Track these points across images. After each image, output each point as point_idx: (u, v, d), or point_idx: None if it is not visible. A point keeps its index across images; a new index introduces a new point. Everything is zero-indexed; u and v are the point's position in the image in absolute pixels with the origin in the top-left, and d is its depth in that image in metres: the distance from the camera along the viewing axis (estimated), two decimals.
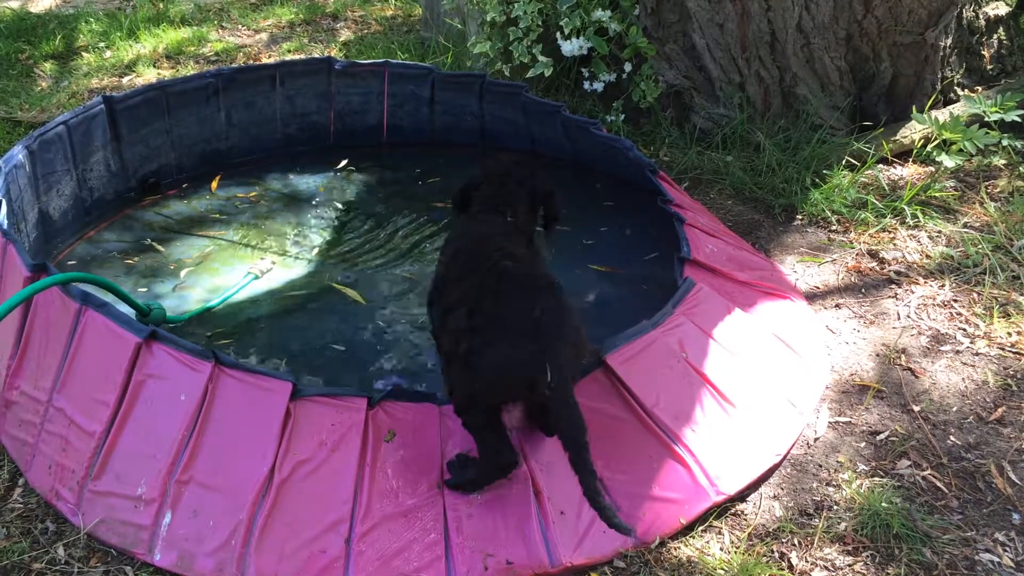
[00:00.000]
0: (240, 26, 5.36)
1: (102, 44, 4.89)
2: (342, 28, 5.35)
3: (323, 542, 1.78)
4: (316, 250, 2.92)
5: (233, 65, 4.57)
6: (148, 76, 4.49)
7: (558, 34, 3.66)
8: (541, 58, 3.70)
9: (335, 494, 1.81)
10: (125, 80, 4.47)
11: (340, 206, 3.19)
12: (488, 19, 3.81)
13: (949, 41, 3.57)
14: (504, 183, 2.20)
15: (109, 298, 2.21)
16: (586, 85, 3.77)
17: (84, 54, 4.77)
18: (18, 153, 2.61)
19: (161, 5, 5.53)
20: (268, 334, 2.51)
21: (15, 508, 1.96)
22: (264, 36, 5.20)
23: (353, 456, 1.82)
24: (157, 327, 2.02)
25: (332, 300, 2.67)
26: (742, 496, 2.02)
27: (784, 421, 2.17)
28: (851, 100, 3.54)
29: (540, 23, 3.69)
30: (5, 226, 2.27)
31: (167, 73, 4.57)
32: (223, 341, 2.46)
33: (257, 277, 2.72)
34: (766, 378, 2.24)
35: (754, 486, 2.05)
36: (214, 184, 3.23)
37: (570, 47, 3.63)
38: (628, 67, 3.69)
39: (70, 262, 2.79)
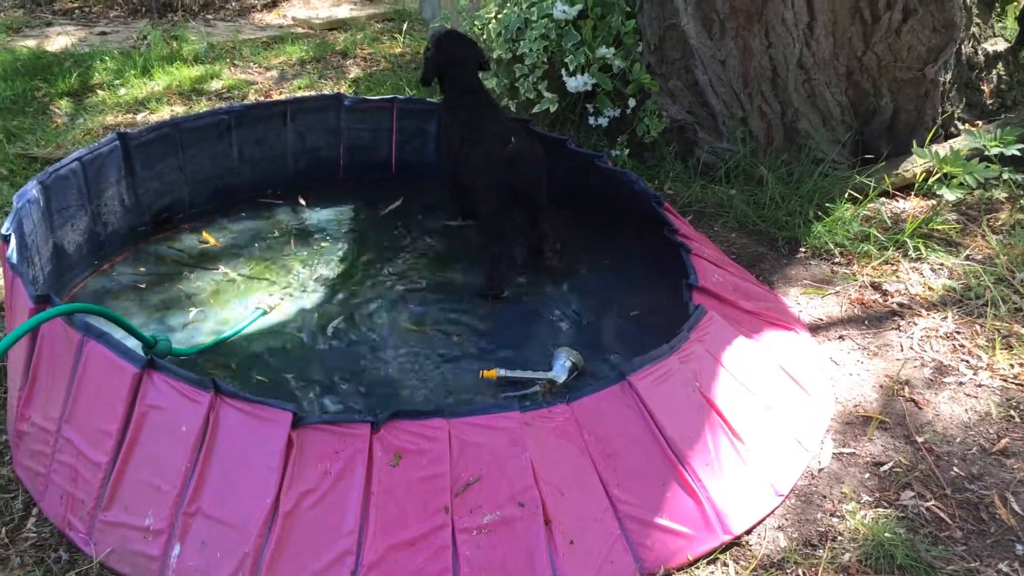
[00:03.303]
0: (252, 64, 5.46)
1: (117, 82, 4.99)
2: (351, 65, 5.44)
3: (330, 575, 1.79)
4: (325, 283, 2.96)
5: (245, 102, 4.66)
6: (161, 113, 4.58)
7: (563, 71, 3.72)
8: (546, 94, 3.77)
9: (340, 525, 1.82)
10: (139, 117, 4.55)
11: (350, 240, 3.24)
12: (495, 56, 3.88)
13: (949, 76, 3.62)
14: (464, 62, 3.10)
15: (120, 333, 2.25)
16: (591, 120, 3.82)
17: (99, 91, 4.86)
18: (32, 189, 2.66)
19: (175, 44, 5.64)
20: (276, 367, 2.54)
21: (29, 537, 1.99)
22: (275, 73, 5.30)
23: (358, 484, 1.83)
24: (160, 358, 2.04)
25: (341, 332, 2.70)
26: (747, 530, 2.03)
27: (791, 460, 2.18)
28: (852, 134, 3.59)
29: (546, 60, 3.76)
30: (14, 260, 2.31)
31: (180, 110, 4.65)
32: (230, 375, 2.49)
33: (265, 313, 2.75)
34: (774, 414, 2.25)
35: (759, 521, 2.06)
36: (206, 235, 3.23)
37: (575, 83, 3.69)
38: (632, 103, 3.75)
39: (85, 295, 2.83)
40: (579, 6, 3.68)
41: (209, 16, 6.65)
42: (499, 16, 3.95)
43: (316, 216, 3.41)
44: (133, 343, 2.29)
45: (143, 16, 6.59)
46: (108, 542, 1.91)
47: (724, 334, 2.34)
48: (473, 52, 3.16)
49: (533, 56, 3.75)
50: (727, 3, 3.37)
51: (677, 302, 2.50)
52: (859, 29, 3.37)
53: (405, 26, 6.14)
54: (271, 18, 6.69)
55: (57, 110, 4.62)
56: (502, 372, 2.44)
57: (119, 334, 2.19)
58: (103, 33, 6.13)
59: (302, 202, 3.44)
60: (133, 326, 2.32)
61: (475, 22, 4.02)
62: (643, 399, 2.05)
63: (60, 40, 5.87)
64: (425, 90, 3.68)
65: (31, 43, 5.73)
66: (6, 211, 3.11)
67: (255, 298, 2.85)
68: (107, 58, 5.32)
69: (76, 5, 6.79)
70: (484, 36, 3.97)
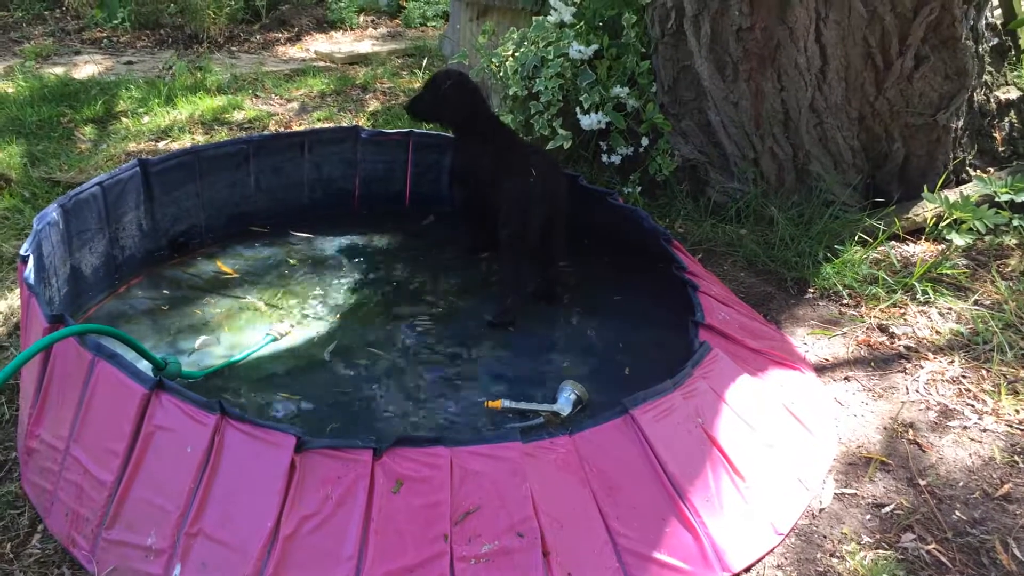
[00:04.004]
0: (273, 95, 5.56)
1: (141, 110, 5.09)
2: (371, 99, 5.54)
3: None
4: (336, 311, 2.99)
5: (264, 132, 4.74)
6: (183, 142, 4.66)
7: (577, 108, 3.78)
8: (561, 131, 3.82)
9: (340, 550, 1.83)
10: (161, 144, 4.64)
11: (363, 269, 3.28)
12: (511, 93, 3.95)
13: (961, 123, 3.65)
14: (474, 100, 3.20)
15: (131, 354, 2.28)
16: (604, 158, 3.87)
17: (123, 119, 4.96)
18: (52, 211, 2.72)
19: (199, 74, 5.76)
20: (283, 392, 2.56)
21: (33, 553, 2.01)
22: (295, 105, 5.39)
23: (359, 510, 1.84)
24: (167, 380, 2.07)
25: (350, 359, 2.73)
26: (745, 568, 2.03)
27: (792, 499, 2.18)
28: (864, 178, 3.61)
29: (560, 98, 3.82)
30: (31, 280, 2.35)
31: (201, 138, 4.74)
32: (237, 398, 2.52)
33: (275, 339, 2.79)
34: (776, 452, 2.25)
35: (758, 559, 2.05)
36: (222, 266, 3.28)
37: (589, 121, 3.75)
38: (645, 141, 3.80)
39: (100, 316, 2.87)
40: (595, 46, 3.74)
41: (234, 48, 6.79)
42: (516, 54, 4.01)
43: (330, 245, 3.45)
44: (144, 365, 2.33)
45: (169, 47, 6.74)
46: (110, 561, 1.93)
47: (728, 371, 2.36)
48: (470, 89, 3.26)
49: (548, 94, 3.81)
50: (740, 46, 3.43)
51: (684, 339, 2.51)
52: (871, 75, 3.41)
53: (425, 62, 6.24)
54: (294, 51, 6.82)
55: (81, 136, 4.71)
56: (507, 403, 2.46)
57: (131, 356, 2.22)
58: (130, 62, 6.27)
59: (297, 234, 3.49)
60: (144, 348, 2.35)
61: (492, 60, 4.09)
62: (645, 433, 2.06)
63: (87, 68, 6.01)
64: (431, 124, 3.72)
65: (59, 70, 5.87)
66: (27, 233, 3.18)
67: (266, 324, 2.88)
68: (132, 87, 5.43)
69: (104, 35, 6.95)
70: (501, 73, 4.03)
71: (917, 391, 2.63)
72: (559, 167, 3.15)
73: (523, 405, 2.46)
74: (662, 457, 2.05)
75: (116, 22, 7.01)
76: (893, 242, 3.46)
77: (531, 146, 3.40)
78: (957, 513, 2.16)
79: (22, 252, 2.44)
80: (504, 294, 2.99)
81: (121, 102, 5.21)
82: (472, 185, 3.25)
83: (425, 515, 1.88)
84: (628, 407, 2.09)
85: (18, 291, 2.96)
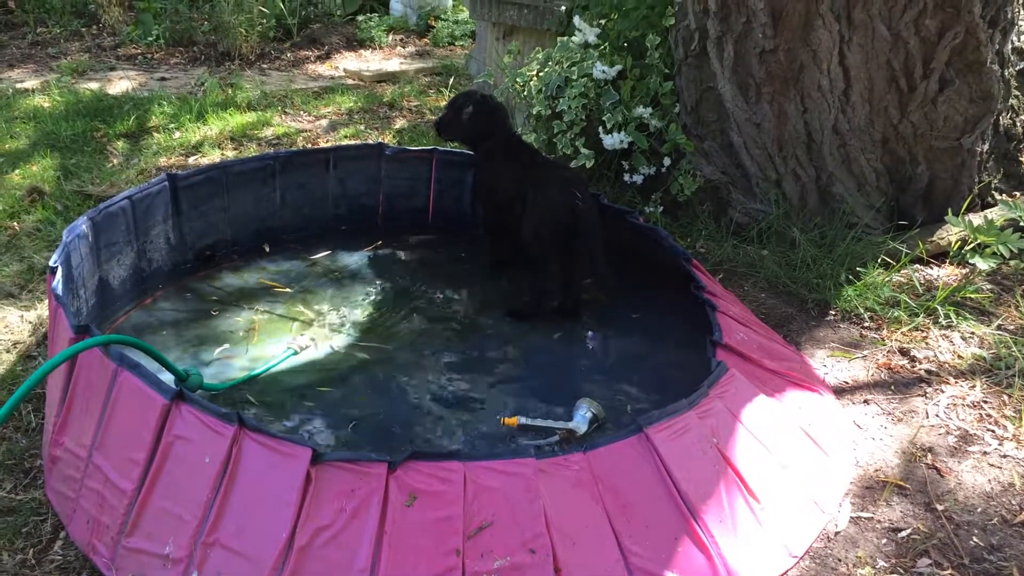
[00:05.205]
0: (302, 112, 5.64)
1: (172, 125, 5.18)
2: (397, 116, 5.60)
3: None
4: (356, 325, 3.02)
5: (291, 148, 4.80)
6: (213, 157, 4.74)
7: (600, 128, 3.80)
8: (583, 150, 3.84)
9: (353, 562, 1.85)
10: (191, 159, 4.72)
11: (384, 285, 3.31)
12: (534, 112, 3.98)
13: (986, 147, 3.63)
14: (495, 120, 3.30)
15: (155, 366, 2.32)
16: (626, 177, 3.89)
17: (155, 134, 5.06)
18: (81, 224, 2.78)
19: (230, 91, 5.85)
20: (301, 404, 2.59)
21: (55, 560, 2.05)
22: (324, 122, 5.46)
23: (372, 523, 1.86)
24: (188, 390, 2.10)
25: (368, 372, 2.75)
26: None
27: (807, 522, 2.17)
28: (887, 200, 3.60)
29: (584, 117, 3.85)
30: (59, 291, 2.40)
31: (230, 154, 4.81)
32: (255, 410, 2.55)
33: (295, 353, 2.82)
34: (792, 474, 2.24)
35: None
36: (264, 280, 3.32)
37: (611, 141, 3.77)
38: (667, 161, 3.81)
39: (126, 328, 2.92)
40: (618, 67, 3.77)
41: (264, 66, 6.89)
42: (540, 74, 4.05)
43: (352, 260, 3.49)
44: (167, 376, 2.37)
45: (202, 64, 6.86)
46: (129, 568, 1.96)
47: (745, 392, 2.35)
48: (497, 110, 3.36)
49: (572, 113, 3.83)
50: (763, 68, 3.43)
51: (701, 358, 2.51)
52: (895, 97, 3.40)
53: (451, 81, 6.30)
54: (323, 69, 6.91)
55: (114, 150, 4.80)
56: (523, 420, 2.47)
57: (154, 367, 2.26)
58: (163, 79, 6.39)
59: (312, 257, 3.52)
60: (166, 359, 2.40)
61: (517, 79, 4.13)
62: (659, 452, 2.07)
63: (122, 84, 6.13)
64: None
65: (94, 86, 5.99)
66: (58, 244, 3.24)
67: (287, 338, 2.92)
68: (165, 103, 5.53)
69: (139, 51, 7.08)
70: (525, 93, 4.07)
71: (937, 415, 2.61)
72: (586, 183, 3.17)
73: (539, 422, 2.47)
74: (676, 476, 2.05)
75: (151, 39, 7.15)
76: (916, 265, 3.44)
77: (558, 163, 3.44)
78: (974, 539, 2.14)
79: (51, 264, 2.50)
80: (533, 294, 3.11)
81: (153, 117, 5.30)
82: (495, 203, 3.28)
83: (438, 529, 1.90)
84: (643, 426, 2.09)
85: (47, 301, 3.02)
